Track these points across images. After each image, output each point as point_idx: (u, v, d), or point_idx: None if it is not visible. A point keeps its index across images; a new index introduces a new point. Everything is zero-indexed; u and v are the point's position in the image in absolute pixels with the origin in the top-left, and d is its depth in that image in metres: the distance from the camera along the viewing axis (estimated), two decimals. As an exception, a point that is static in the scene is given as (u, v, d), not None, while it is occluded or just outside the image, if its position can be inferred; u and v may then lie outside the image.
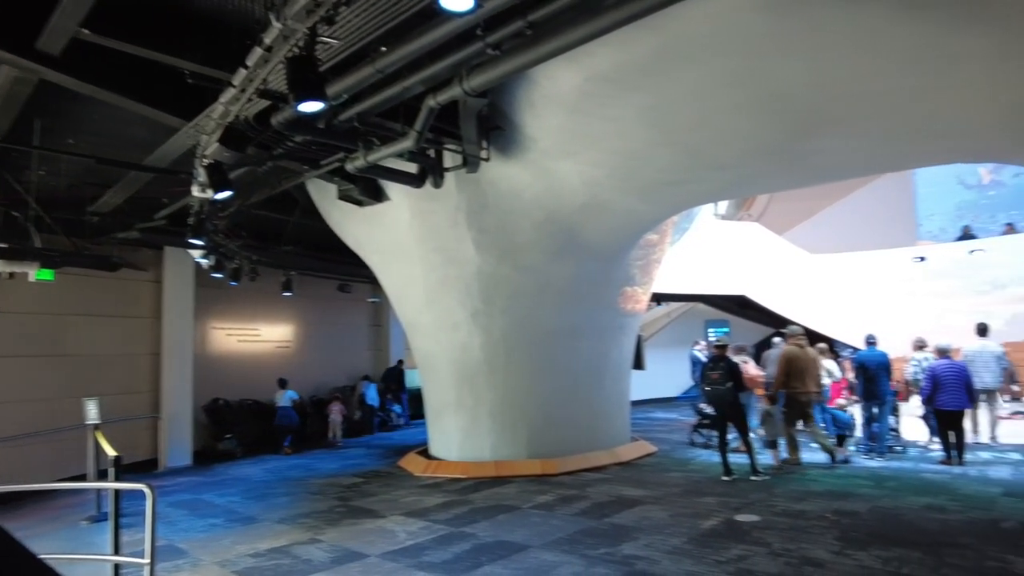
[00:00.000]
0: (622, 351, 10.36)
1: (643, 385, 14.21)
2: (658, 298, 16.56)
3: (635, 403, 11.69)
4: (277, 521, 6.96)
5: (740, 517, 6.12)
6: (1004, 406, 10.63)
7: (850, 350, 13.43)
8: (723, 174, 7.19)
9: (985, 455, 8.73)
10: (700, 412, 10.90)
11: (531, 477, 8.47)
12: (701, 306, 20.11)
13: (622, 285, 9.91)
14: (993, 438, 9.60)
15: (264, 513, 7.39)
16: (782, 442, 8.77)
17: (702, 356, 12.34)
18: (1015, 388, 10.35)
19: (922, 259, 19.09)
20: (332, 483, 9.01)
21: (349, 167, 6.72)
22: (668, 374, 16.00)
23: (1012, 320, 15.75)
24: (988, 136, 5.50)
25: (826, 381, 10.48)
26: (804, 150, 6.35)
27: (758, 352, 13.46)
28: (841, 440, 9.09)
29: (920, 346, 9.76)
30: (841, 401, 9.97)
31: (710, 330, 19.97)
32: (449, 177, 7.42)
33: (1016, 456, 8.68)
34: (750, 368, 9.71)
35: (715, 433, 10.66)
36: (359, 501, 7.72)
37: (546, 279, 8.79)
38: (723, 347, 8.51)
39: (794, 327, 9.25)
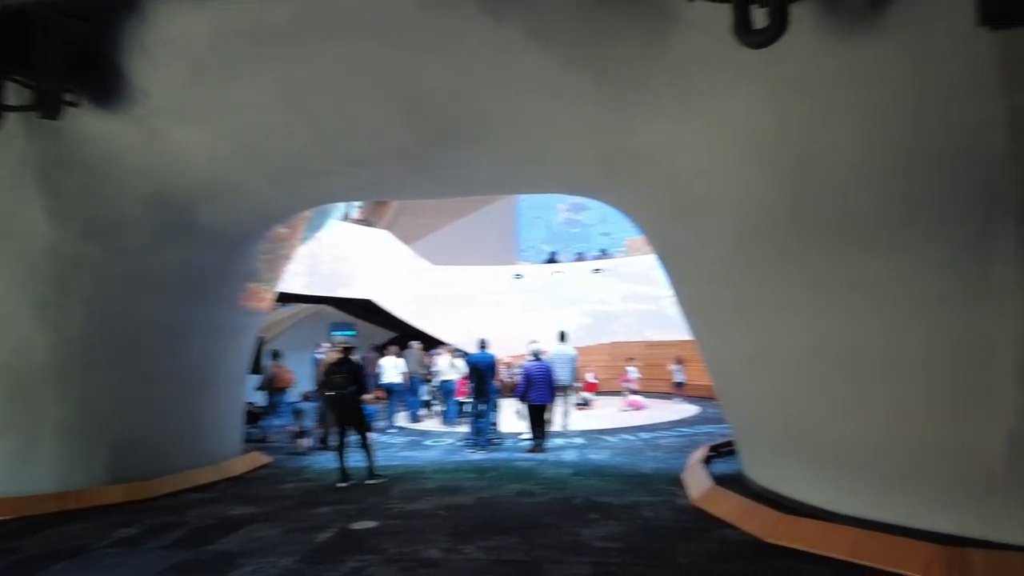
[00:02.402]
0: (239, 354, 9.35)
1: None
2: (284, 298, 15.65)
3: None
4: None
5: (356, 525, 5.94)
6: (575, 399, 12.97)
7: (460, 353, 14.68)
8: (362, 171, 7.03)
9: (559, 441, 10.36)
10: (249, 411, 11.64)
11: (113, 506, 6.92)
12: (328, 308, 19.79)
13: (244, 280, 8.95)
14: (565, 426, 11.51)
15: None
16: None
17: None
18: (577, 384, 12.68)
19: (520, 276, 22.30)
20: None
21: None
22: (289, 378, 15.20)
23: (579, 329, 19.42)
24: (587, 172, 6.49)
25: (455, 376, 12.22)
26: (441, 159, 6.59)
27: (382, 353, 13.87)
28: (300, 434, 10.45)
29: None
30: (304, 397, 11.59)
31: (335, 333, 19.78)
32: (15, 120, 5.61)
33: (580, 440, 10.52)
34: (282, 372, 11.48)
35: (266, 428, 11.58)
36: None
37: (149, 266, 7.35)
38: (348, 349, 8.32)
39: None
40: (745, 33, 3.85)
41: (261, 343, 12.15)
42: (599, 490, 6.96)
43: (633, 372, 16.59)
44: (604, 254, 25.47)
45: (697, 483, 6.59)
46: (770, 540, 4.91)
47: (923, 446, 4.47)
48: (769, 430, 5.79)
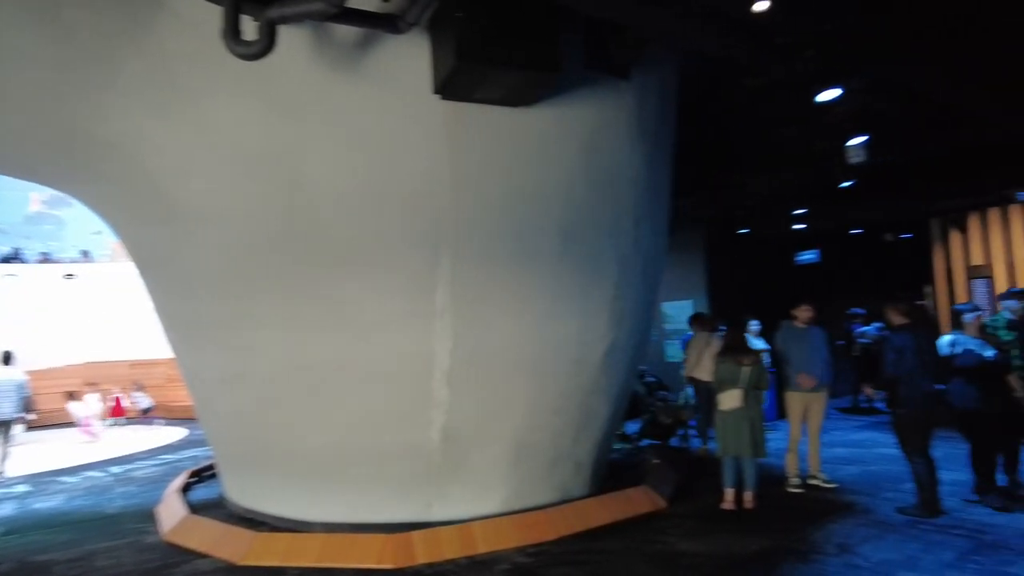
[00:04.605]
0: None
1: None
2: None
3: None
4: None
5: None
6: (18, 437, 10.36)
7: None
8: None
9: (-8, 493, 8.12)
10: None
11: None
12: None
13: None
14: (2, 472, 9.08)
15: None
16: None
17: None
18: (31, 417, 10.20)
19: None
20: None
21: None
22: None
23: (41, 347, 15.82)
24: (41, 155, 5.28)
25: None
26: None
27: None
28: None
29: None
30: None
31: None
32: None
33: (24, 487, 8.45)
34: None
35: None
36: None
37: None
38: None
39: None
40: (233, 41, 3.75)
41: None
42: (41, 547, 5.65)
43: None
44: (86, 257, 21.60)
45: (171, 515, 6.00)
46: (244, 562, 4.79)
47: (383, 448, 5.07)
48: (248, 448, 5.70)
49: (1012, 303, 5.88)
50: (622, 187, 5.44)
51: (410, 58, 4.43)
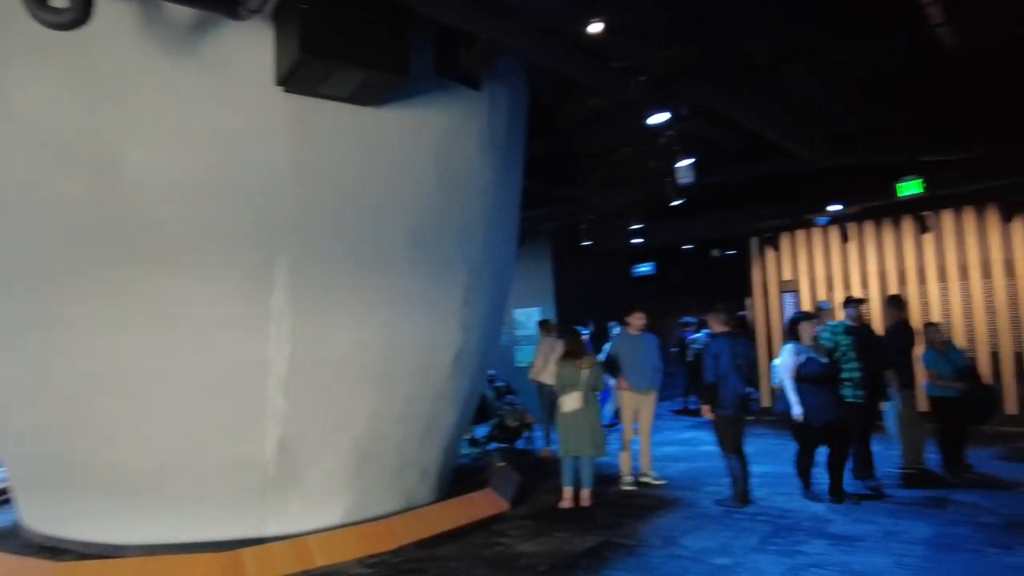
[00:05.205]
0: None
1: None
2: None
3: None
4: None
5: None
6: None
7: None
8: None
9: None
10: None
11: None
12: None
13: None
14: None
15: None
16: None
17: None
18: None
19: None
20: None
21: None
22: None
23: None
24: None
25: None
26: None
27: None
28: None
29: None
30: None
31: None
32: None
33: None
34: None
35: None
36: None
37: None
38: None
39: None
40: (37, 7, 3.34)
41: None
42: None
43: None
44: None
45: (-53, 550, 5.17)
46: (38, 597, 4.24)
47: (209, 462, 4.69)
48: (52, 467, 5.03)
49: (851, 310, 6.49)
50: (472, 194, 5.51)
51: (253, 46, 4.20)
